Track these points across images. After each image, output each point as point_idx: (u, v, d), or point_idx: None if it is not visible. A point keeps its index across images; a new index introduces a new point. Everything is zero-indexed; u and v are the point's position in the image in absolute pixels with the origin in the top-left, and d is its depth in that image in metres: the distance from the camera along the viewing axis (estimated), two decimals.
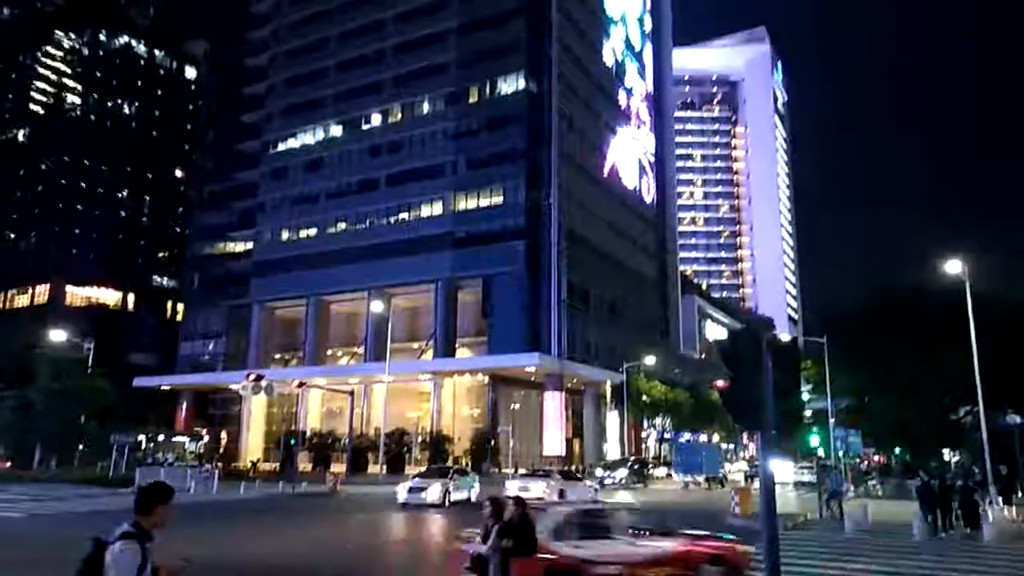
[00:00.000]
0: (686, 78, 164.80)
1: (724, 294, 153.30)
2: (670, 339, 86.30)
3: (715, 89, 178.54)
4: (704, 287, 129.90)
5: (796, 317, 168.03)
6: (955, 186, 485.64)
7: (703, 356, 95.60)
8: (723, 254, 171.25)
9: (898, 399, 40.41)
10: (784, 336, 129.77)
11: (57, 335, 69.35)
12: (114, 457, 48.90)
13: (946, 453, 51.48)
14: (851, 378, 44.78)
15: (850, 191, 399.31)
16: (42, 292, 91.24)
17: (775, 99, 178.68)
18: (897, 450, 54.76)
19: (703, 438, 76.30)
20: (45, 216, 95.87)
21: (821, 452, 37.58)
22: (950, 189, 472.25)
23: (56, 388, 60.09)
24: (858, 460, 55.67)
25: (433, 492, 27.19)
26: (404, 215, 68.15)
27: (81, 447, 59.12)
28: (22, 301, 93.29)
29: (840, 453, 39.03)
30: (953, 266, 27.22)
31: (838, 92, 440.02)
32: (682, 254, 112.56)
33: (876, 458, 60.67)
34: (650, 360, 65.55)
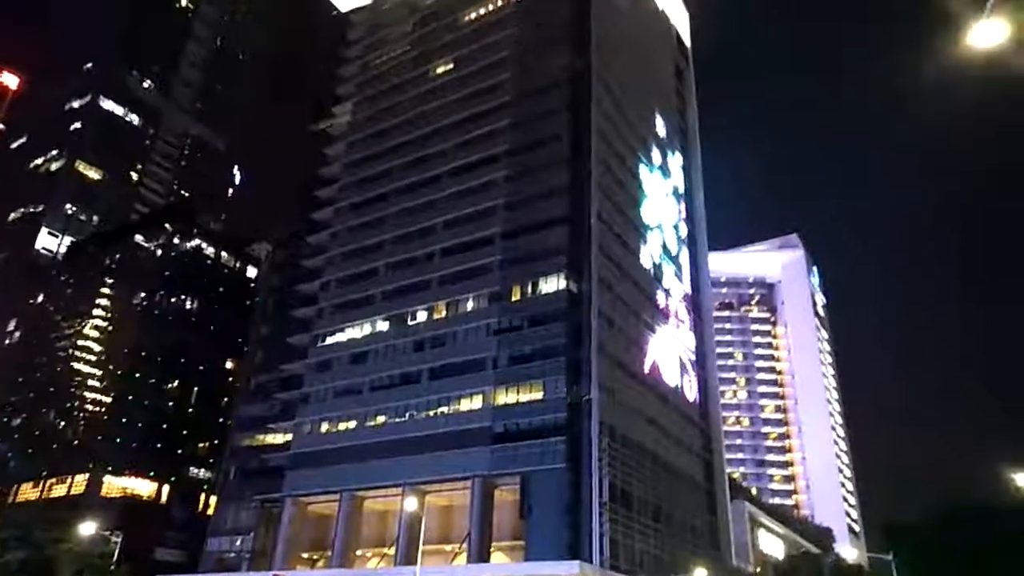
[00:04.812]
0: (723, 280, 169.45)
1: (776, 500, 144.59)
2: (721, 549, 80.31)
3: (752, 291, 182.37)
4: (754, 492, 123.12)
5: (857, 528, 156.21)
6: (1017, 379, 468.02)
7: (757, 570, 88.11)
8: (772, 457, 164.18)
9: None
10: (845, 550, 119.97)
11: (87, 528, 68.25)
12: None
13: None
14: None
15: (905, 387, 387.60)
16: (80, 482, 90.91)
17: (814, 302, 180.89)
18: None
19: None
20: (92, 405, 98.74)
21: None
22: (1013, 382, 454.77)
23: None
24: None
25: None
26: (444, 409, 68.00)
27: None
28: (59, 491, 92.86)
29: None
30: None
31: (880, 292, 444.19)
32: (729, 456, 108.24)
33: None
34: (700, 574, 60.62)
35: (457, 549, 62.85)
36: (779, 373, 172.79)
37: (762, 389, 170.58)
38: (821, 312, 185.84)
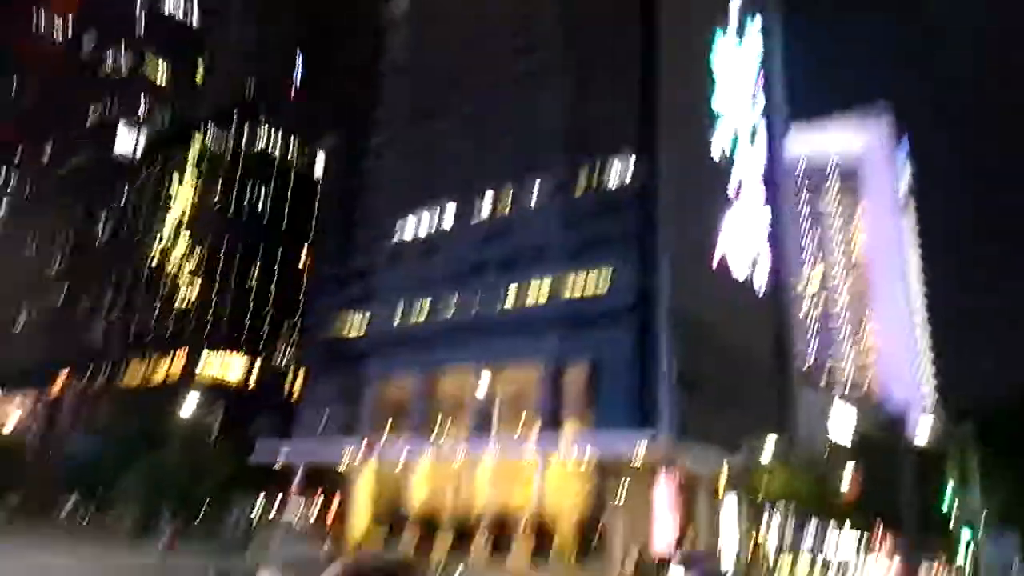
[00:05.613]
0: (803, 158, 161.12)
1: (849, 386, 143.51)
2: (790, 433, 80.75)
3: (833, 167, 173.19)
4: (827, 377, 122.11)
5: (932, 410, 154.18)
6: None
7: (827, 454, 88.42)
8: (847, 342, 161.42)
9: None
10: (921, 433, 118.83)
11: (188, 405, 73.85)
12: (230, 528, 50.59)
13: None
14: (1004, 475, 39.98)
15: (991, 266, 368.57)
16: (178, 363, 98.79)
17: (898, 178, 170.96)
18: None
19: (832, 531, 69.84)
20: (181, 295, 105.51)
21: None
22: None
23: (182, 459, 63.70)
24: None
25: None
26: (513, 295, 68.96)
27: (202, 516, 61.87)
28: (160, 372, 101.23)
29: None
30: None
31: (971, 174, 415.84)
32: (803, 340, 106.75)
33: None
34: (768, 450, 61.34)
35: (529, 425, 65.28)
36: (857, 256, 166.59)
37: (839, 272, 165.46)
38: (906, 188, 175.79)
